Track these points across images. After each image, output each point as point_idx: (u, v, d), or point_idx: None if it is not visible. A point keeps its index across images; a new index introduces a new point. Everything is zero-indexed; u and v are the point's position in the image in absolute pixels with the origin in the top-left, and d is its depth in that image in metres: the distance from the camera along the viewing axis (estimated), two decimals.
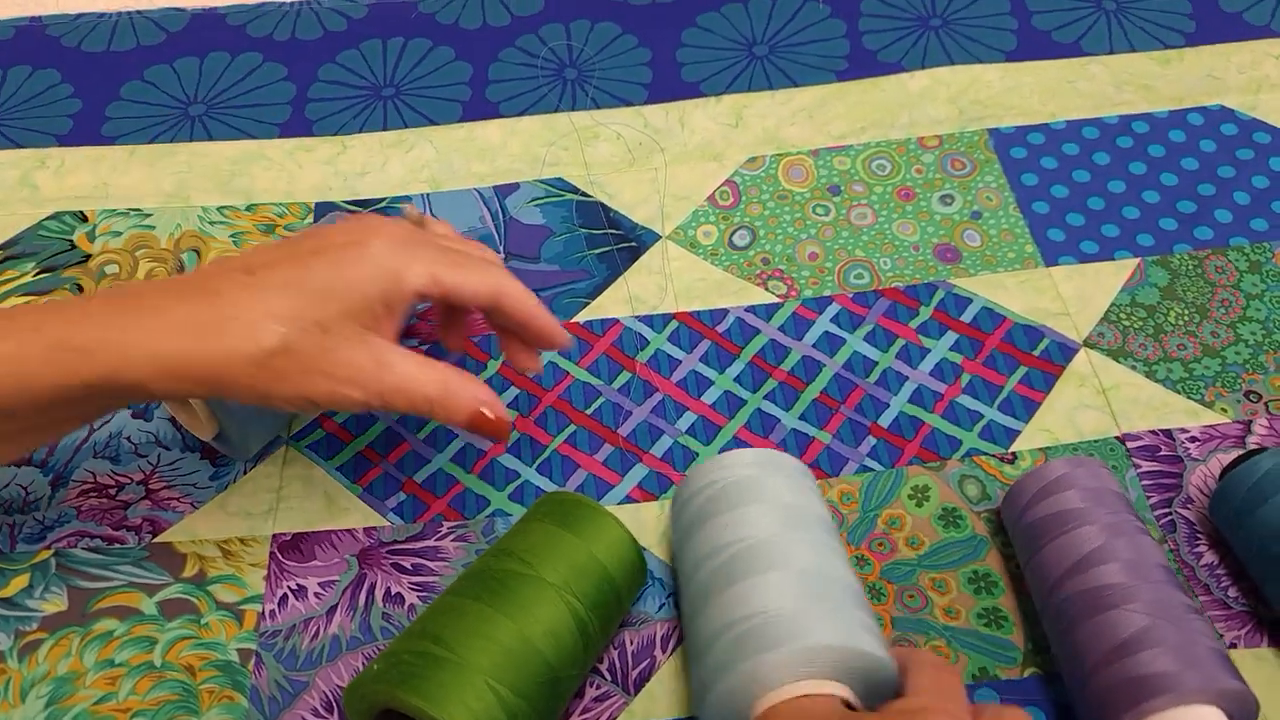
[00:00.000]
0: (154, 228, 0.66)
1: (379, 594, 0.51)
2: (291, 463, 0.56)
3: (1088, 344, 0.59)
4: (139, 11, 0.78)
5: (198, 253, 0.65)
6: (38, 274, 0.63)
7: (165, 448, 0.57)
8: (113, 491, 0.55)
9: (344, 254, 0.43)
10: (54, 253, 0.64)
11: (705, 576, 0.45)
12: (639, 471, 0.56)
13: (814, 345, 0.60)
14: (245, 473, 0.56)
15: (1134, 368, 0.58)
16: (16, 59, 0.75)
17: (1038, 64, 0.71)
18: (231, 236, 0.65)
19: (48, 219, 0.66)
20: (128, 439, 0.57)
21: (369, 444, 0.57)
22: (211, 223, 0.66)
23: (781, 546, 0.44)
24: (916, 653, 0.42)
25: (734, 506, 0.46)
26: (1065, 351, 0.58)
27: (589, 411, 0.58)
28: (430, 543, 0.53)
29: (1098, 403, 0.56)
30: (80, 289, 0.63)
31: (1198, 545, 0.51)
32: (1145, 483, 0.53)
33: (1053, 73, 0.71)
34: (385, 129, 0.71)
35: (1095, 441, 0.55)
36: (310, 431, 0.57)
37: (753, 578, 0.42)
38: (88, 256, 0.64)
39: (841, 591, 0.42)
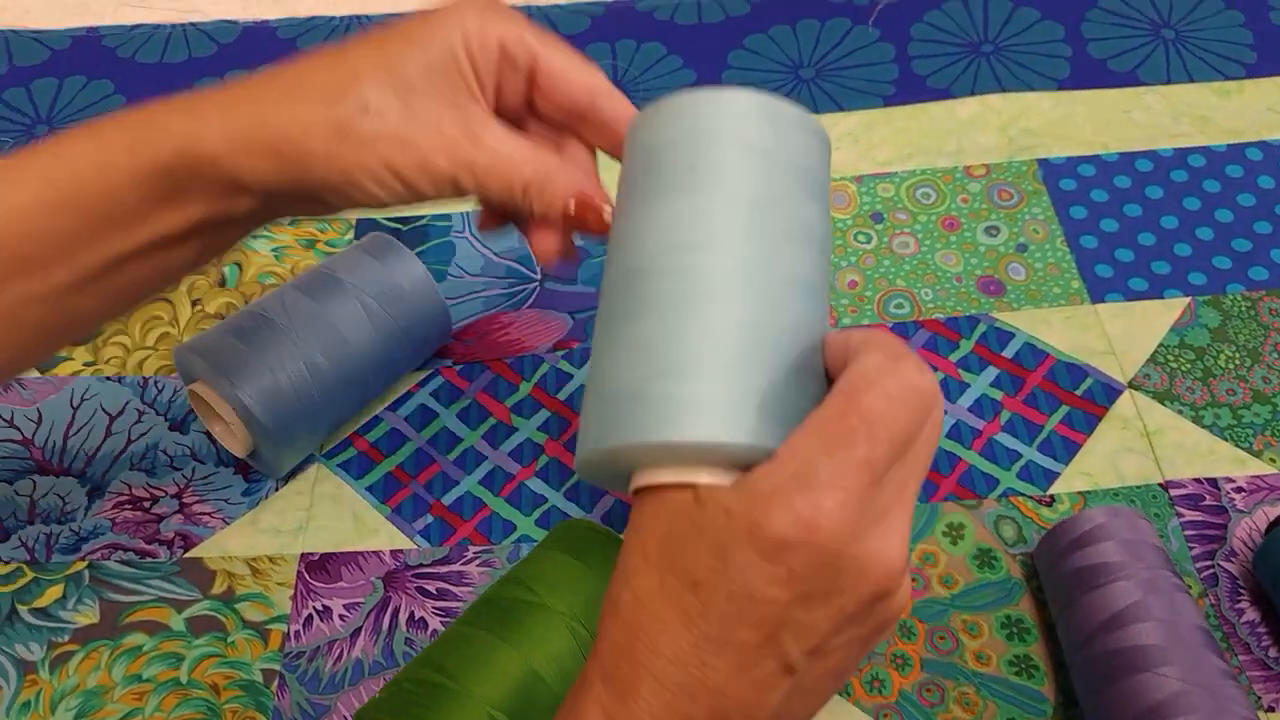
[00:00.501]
0: None
1: (403, 618, 0.51)
2: (322, 481, 0.56)
3: (1133, 385, 0.57)
4: (193, 24, 0.79)
5: (239, 265, 0.65)
6: None
7: (200, 461, 0.57)
8: (147, 504, 0.56)
9: (429, 14, 0.39)
10: None
11: (625, 278, 0.34)
12: None
13: None
14: (277, 489, 0.56)
15: (1180, 412, 0.56)
16: (72, 69, 0.76)
17: (1091, 93, 0.70)
18: (273, 250, 0.66)
19: None
20: (164, 451, 0.57)
21: (399, 464, 0.57)
22: (254, 236, 0.67)
23: (726, 276, 0.33)
24: (860, 355, 0.31)
25: (692, 189, 0.34)
26: (1109, 392, 0.57)
27: None
28: (455, 567, 0.53)
29: (1141, 447, 0.55)
30: None
31: (1239, 601, 0.50)
32: (1187, 533, 0.52)
33: (1107, 102, 0.69)
34: None
35: (1137, 487, 0.54)
36: (342, 450, 0.58)
37: (673, 314, 0.32)
38: None
39: (772, 351, 0.32)
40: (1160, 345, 0.58)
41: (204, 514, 0.55)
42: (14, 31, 0.78)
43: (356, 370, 0.55)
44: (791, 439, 0.30)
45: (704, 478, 0.31)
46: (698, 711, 0.30)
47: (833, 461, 0.29)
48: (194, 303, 0.64)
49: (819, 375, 0.33)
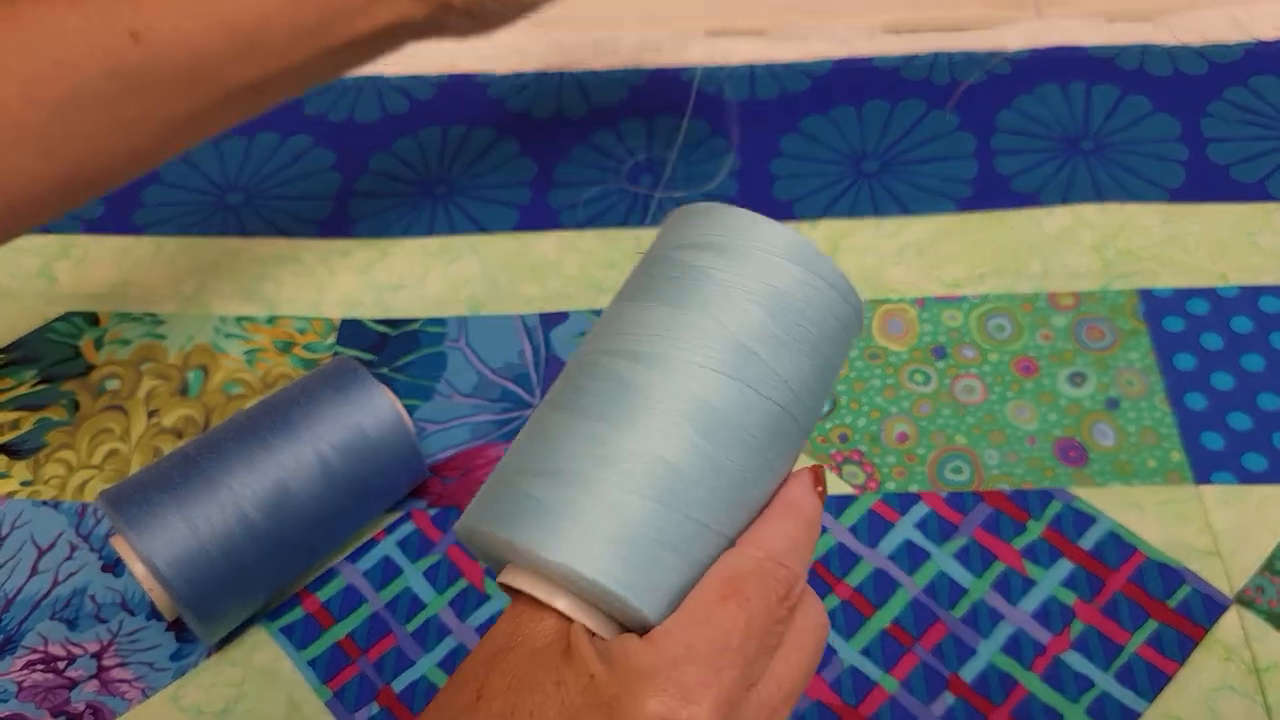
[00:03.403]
0: (165, 337, 0.60)
1: None
2: (260, 649, 0.49)
3: (1241, 600, 0.46)
4: None
5: (205, 370, 0.58)
6: (35, 384, 0.58)
7: (130, 612, 0.50)
8: (61, 665, 0.49)
9: None
10: (56, 360, 0.59)
11: (568, 370, 0.33)
12: None
13: (890, 557, 0.49)
14: (209, 656, 0.49)
15: None
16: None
17: (1210, 208, 0.58)
18: (245, 353, 0.59)
19: (57, 320, 0.60)
20: (92, 598, 0.50)
21: (350, 633, 0.49)
22: (227, 335, 0.59)
23: (661, 398, 0.30)
24: (764, 526, 0.31)
25: (675, 297, 0.32)
26: (1210, 607, 0.46)
27: None
28: None
29: (1247, 688, 0.44)
30: (76, 406, 0.57)
31: None
32: None
33: (1228, 221, 0.58)
34: (431, 233, 0.63)
35: None
36: (288, 610, 0.50)
37: (586, 416, 0.30)
38: (90, 368, 0.58)
39: (679, 500, 0.29)
40: None
41: (123, 681, 0.48)
42: None
43: (302, 529, 0.47)
44: (672, 623, 0.29)
45: (562, 603, 0.30)
46: None
47: (708, 657, 0.29)
48: (150, 414, 0.57)
49: (720, 544, 0.31)
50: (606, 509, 0.29)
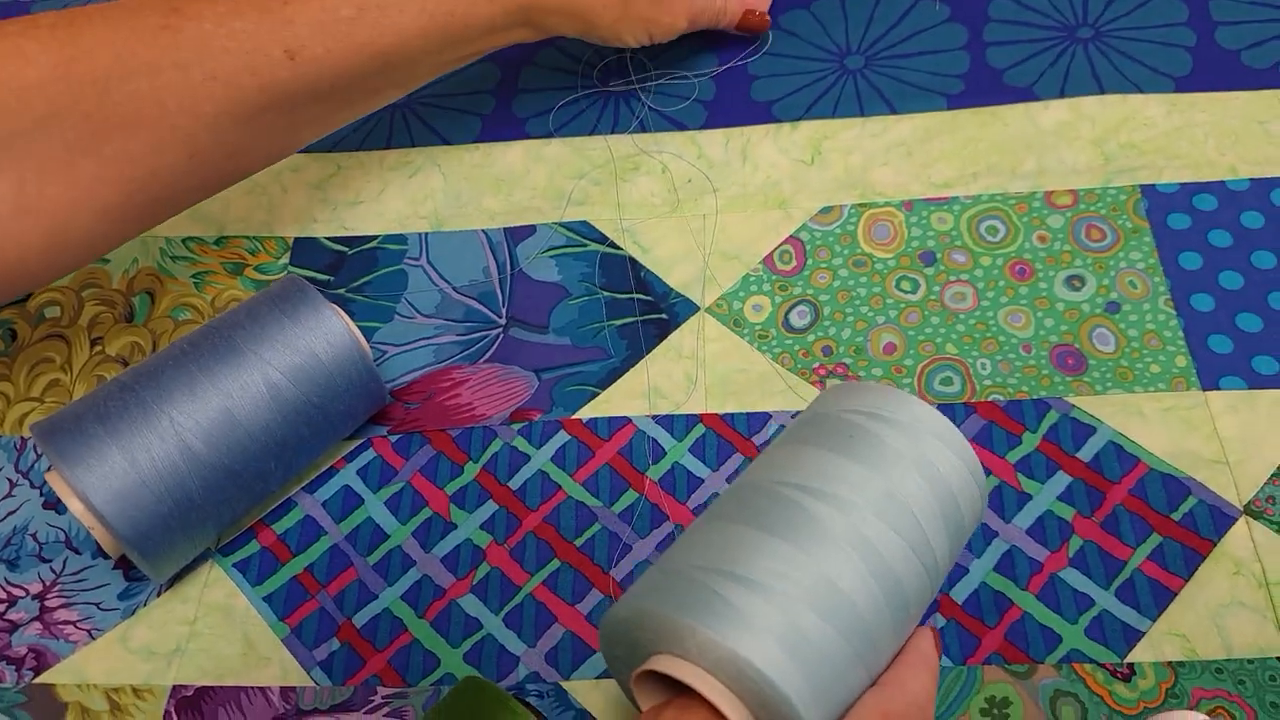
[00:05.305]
0: (108, 261, 0.56)
1: None
2: (213, 586, 0.46)
3: (1250, 511, 0.43)
4: None
5: (151, 295, 0.55)
6: None
7: (75, 551, 0.47)
8: (1, 607, 0.46)
9: None
10: None
11: (741, 490, 0.36)
12: None
13: None
14: (159, 594, 0.46)
15: None
16: None
17: (1218, 96, 0.54)
18: (194, 277, 0.55)
19: None
20: (33, 537, 0.48)
21: (308, 566, 0.46)
22: (174, 258, 0.56)
23: (837, 534, 0.34)
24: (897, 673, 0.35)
25: (848, 453, 0.35)
26: (1218, 519, 0.43)
27: (579, 543, 0.46)
28: (358, 715, 0.42)
29: (1257, 602, 0.41)
30: (14, 335, 0.54)
31: None
32: None
33: (1238, 109, 0.54)
34: (389, 146, 0.59)
35: (1249, 662, 0.40)
36: (242, 544, 0.47)
37: (798, 547, 0.33)
38: (28, 295, 0.55)
39: (842, 624, 0.32)
40: None
41: (68, 623, 0.45)
42: None
43: (251, 459, 0.44)
44: None
45: (722, 701, 0.31)
46: None
47: None
48: (93, 342, 0.53)
49: (862, 675, 0.33)
50: (787, 620, 0.32)
